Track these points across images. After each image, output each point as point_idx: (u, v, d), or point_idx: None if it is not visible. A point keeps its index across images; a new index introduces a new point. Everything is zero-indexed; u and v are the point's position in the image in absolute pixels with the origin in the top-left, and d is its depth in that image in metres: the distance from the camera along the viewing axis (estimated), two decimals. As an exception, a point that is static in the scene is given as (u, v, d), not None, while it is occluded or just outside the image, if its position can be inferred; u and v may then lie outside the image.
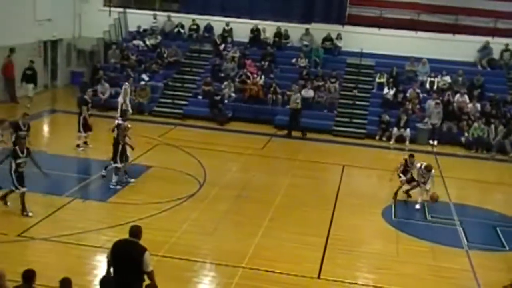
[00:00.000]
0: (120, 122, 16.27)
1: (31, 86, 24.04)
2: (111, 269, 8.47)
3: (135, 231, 8.58)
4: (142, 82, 24.68)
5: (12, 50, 23.76)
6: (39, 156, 17.16)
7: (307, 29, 27.25)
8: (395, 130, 22.55)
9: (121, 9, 28.52)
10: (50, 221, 13.20)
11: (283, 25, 27.50)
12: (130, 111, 18.91)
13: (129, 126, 16.04)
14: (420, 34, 26.36)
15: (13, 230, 12.41)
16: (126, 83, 20.16)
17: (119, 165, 15.41)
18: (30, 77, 24.11)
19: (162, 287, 8.10)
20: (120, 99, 19.16)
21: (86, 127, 18.48)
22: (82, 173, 16.76)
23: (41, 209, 13.83)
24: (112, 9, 28.32)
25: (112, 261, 8.48)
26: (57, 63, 28.07)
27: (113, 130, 15.76)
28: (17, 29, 23.98)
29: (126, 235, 8.51)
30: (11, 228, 12.51)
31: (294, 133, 22.39)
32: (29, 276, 7.80)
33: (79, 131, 18.42)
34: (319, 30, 27.19)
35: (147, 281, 8.20)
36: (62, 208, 13.85)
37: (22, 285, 7.76)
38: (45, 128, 21.91)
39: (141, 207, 14.23)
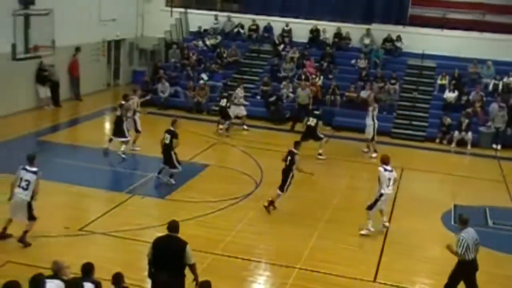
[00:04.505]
0: (123, 102, 17.73)
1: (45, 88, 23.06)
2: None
3: (174, 226, 8.73)
4: (201, 81, 24.96)
5: (78, 49, 24.46)
6: (98, 152, 17.69)
7: (368, 30, 26.95)
8: (456, 133, 22.01)
9: (182, 10, 28.99)
10: (110, 216, 13.52)
11: (343, 26, 27.30)
12: None
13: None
14: (485, 35, 25.63)
15: (75, 225, 12.77)
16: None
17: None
18: (45, 78, 22.91)
19: (217, 286, 8.16)
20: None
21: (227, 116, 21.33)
22: (141, 170, 17.08)
23: (102, 204, 14.24)
24: (174, 9, 28.76)
25: (153, 258, 8.59)
26: (120, 62, 28.75)
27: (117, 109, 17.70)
28: (83, 29, 24.68)
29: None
30: (73, 223, 12.88)
31: (348, 133, 22.24)
32: (87, 269, 8.02)
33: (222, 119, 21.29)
34: (380, 30, 26.86)
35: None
36: (122, 204, 14.16)
37: (81, 278, 7.97)
38: (107, 125, 22.42)
39: (197, 205, 14.37)
